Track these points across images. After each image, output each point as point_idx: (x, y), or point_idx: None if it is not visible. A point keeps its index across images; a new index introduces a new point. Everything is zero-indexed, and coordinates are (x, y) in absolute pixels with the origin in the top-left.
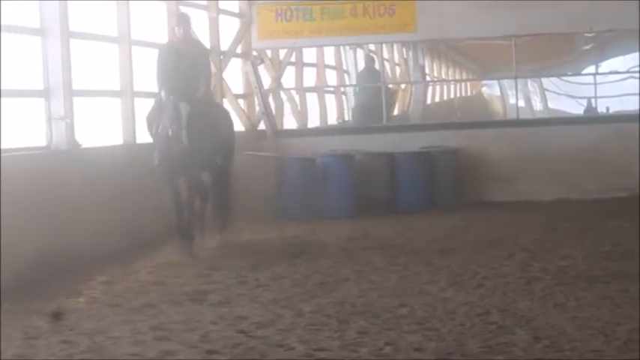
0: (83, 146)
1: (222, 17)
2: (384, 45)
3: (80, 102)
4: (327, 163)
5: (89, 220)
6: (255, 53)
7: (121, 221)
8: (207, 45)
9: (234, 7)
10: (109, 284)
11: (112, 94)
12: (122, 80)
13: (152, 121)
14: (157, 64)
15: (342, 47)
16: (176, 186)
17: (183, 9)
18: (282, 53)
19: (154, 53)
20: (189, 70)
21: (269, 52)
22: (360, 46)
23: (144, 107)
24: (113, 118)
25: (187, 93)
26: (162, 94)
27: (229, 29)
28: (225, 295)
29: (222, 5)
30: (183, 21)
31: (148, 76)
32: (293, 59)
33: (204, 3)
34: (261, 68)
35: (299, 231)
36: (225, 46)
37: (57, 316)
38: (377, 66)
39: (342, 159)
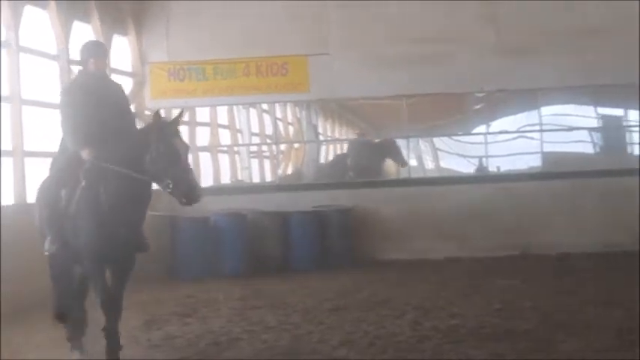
0: None
1: (114, 76)
2: (276, 104)
3: None
4: (220, 222)
5: None
6: (148, 112)
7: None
8: None
9: (127, 66)
10: None
11: (4, 153)
12: (13, 139)
13: (56, 191)
14: (63, 110)
15: (235, 106)
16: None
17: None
18: (175, 113)
19: (47, 112)
20: (110, 115)
21: (162, 112)
22: (253, 105)
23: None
24: (5, 178)
25: (113, 148)
26: (75, 149)
27: None
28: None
29: (114, 64)
30: (102, 51)
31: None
32: (186, 118)
33: None
34: None
35: (192, 290)
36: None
37: None
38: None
39: (235, 218)
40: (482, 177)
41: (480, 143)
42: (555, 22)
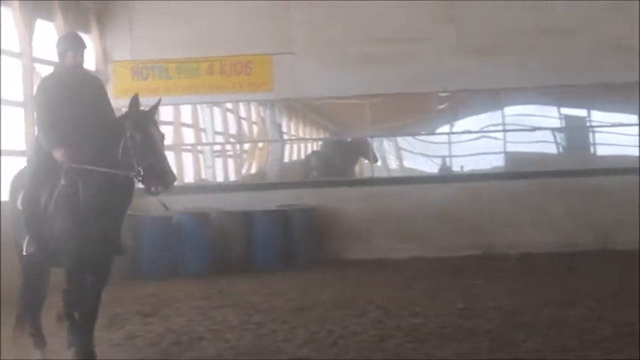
0: None
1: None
2: (240, 103)
3: None
4: (183, 221)
5: None
6: None
7: None
8: None
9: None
10: None
11: None
12: None
13: (35, 189)
14: (38, 106)
15: (198, 105)
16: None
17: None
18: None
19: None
20: (88, 111)
21: (124, 110)
22: (217, 104)
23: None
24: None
25: (89, 146)
26: (48, 149)
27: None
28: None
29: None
30: (80, 45)
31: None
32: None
33: None
34: None
35: (154, 289)
36: None
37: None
38: None
39: (199, 217)
40: (445, 177)
41: (444, 143)
42: (518, 22)
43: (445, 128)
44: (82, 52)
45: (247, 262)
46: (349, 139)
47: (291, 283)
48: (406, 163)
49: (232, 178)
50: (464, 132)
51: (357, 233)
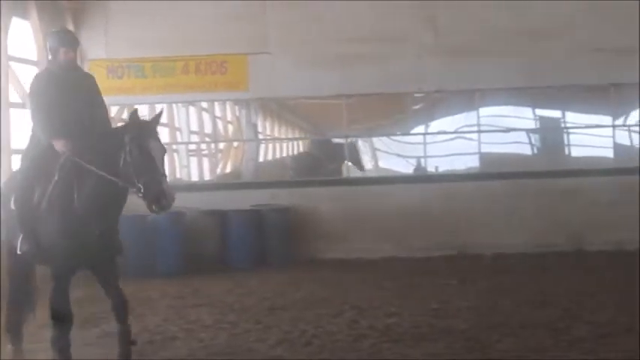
0: None
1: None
2: (216, 103)
3: None
4: (158, 220)
5: None
6: None
7: None
8: None
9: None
10: None
11: None
12: None
13: (29, 186)
14: (33, 100)
15: (174, 105)
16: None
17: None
18: (114, 110)
19: None
20: (82, 108)
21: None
22: (193, 103)
23: None
24: None
25: (87, 144)
26: (48, 141)
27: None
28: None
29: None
30: (72, 41)
31: None
32: (125, 116)
33: (35, 59)
34: None
35: (128, 288)
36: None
37: None
38: None
39: (173, 216)
40: (420, 177)
41: (419, 143)
42: (494, 23)
43: (420, 129)
44: (75, 49)
45: (222, 261)
46: (336, 141)
47: (265, 283)
48: (381, 164)
49: (207, 177)
50: (439, 132)
51: (332, 233)
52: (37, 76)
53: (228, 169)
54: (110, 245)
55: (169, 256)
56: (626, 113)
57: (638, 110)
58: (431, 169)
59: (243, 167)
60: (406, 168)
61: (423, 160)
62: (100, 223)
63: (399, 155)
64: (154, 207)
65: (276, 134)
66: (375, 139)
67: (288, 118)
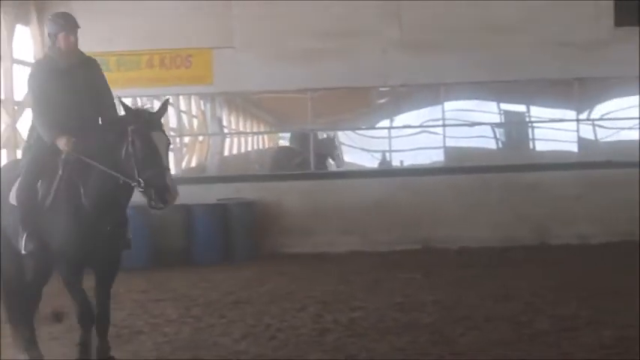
0: None
1: (16, 66)
2: (181, 97)
3: None
4: None
5: None
6: None
7: None
8: None
9: (30, 56)
10: None
11: None
12: None
13: (32, 182)
14: (33, 93)
15: (138, 98)
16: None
17: None
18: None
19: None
20: (86, 98)
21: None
22: (157, 97)
23: None
24: None
25: (90, 137)
26: (49, 140)
27: (24, 79)
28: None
29: (17, 54)
30: (72, 25)
31: None
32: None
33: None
34: None
35: (93, 282)
36: (19, 96)
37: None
38: None
39: (138, 210)
40: (385, 171)
41: (384, 138)
42: (460, 18)
43: (385, 123)
44: (75, 33)
45: (187, 255)
46: (320, 138)
47: (230, 277)
48: (347, 158)
49: (173, 171)
50: (404, 127)
51: (298, 227)
52: (36, 64)
53: (193, 164)
54: (120, 241)
55: (135, 250)
56: (590, 107)
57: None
58: (396, 163)
59: (209, 161)
60: (371, 162)
61: (388, 154)
62: (110, 218)
63: (364, 149)
64: (152, 202)
65: (241, 128)
66: (340, 133)
67: (253, 112)
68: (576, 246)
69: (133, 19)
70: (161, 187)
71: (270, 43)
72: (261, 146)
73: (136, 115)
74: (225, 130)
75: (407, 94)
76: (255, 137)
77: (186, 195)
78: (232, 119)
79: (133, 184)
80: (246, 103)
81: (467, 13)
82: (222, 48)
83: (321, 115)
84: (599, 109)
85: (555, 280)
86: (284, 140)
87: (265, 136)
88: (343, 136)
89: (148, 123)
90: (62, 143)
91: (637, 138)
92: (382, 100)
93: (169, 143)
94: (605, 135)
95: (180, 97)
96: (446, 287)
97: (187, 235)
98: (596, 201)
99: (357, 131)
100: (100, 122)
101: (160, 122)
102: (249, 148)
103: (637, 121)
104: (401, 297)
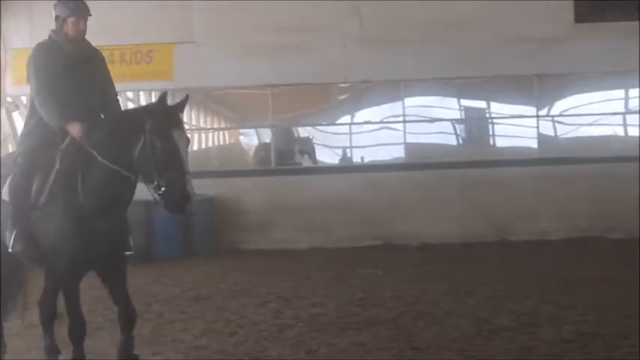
0: None
1: None
2: (141, 93)
3: None
4: None
5: None
6: (9, 99)
7: None
8: None
9: None
10: None
11: None
12: None
13: (26, 177)
14: (38, 77)
15: None
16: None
17: None
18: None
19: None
20: (91, 89)
21: (24, 99)
22: (118, 93)
23: None
24: None
25: (98, 130)
26: (59, 124)
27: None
28: None
29: None
30: (84, 11)
31: None
32: None
33: None
34: (15, 114)
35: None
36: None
37: None
38: None
39: None
40: (346, 167)
41: (345, 134)
42: (420, 13)
43: (346, 119)
44: (86, 20)
45: (147, 251)
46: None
47: (190, 273)
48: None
49: None
50: (364, 123)
51: (258, 223)
52: (38, 46)
53: None
54: (120, 243)
55: None
56: (550, 104)
57: (561, 101)
58: (357, 159)
59: None
60: (332, 158)
61: (348, 150)
62: (108, 217)
63: (324, 145)
64: (170, 209)
65: (202, 124)
66: (300, 129)
67: (214, 108)
68: (537, 242)
69: (93, 14)
70: (179, 193)
71: (231, 39)
72: (222, 142)
73: (156, 110)
74: (186, 126)
75: (367, 90)
76: (216, 133)
77: (146, 191)
78: (193, 115)
79: (150, 187)
80: (206, 99)
81: (427, 9)
82: (183, 43)
83: (281, 110)
84: (559, 106)
85: (516, 275)
86: (244, 137)
87: (226, 132)
88: (304, 133)
89: (168, 120)
90: (76, 129)
91: (596, 134)
92: (343, 96)
93: (189, 141)
94: (565, 131)
95: (141, 93)
96: (407, 283)
97: (147, 231)
98: (557, 197)
99: (318, 127)
100: (103, 117)
101: (181, 119)
102: (210, 144)
103: (596, 117)
104: (361, 293)
